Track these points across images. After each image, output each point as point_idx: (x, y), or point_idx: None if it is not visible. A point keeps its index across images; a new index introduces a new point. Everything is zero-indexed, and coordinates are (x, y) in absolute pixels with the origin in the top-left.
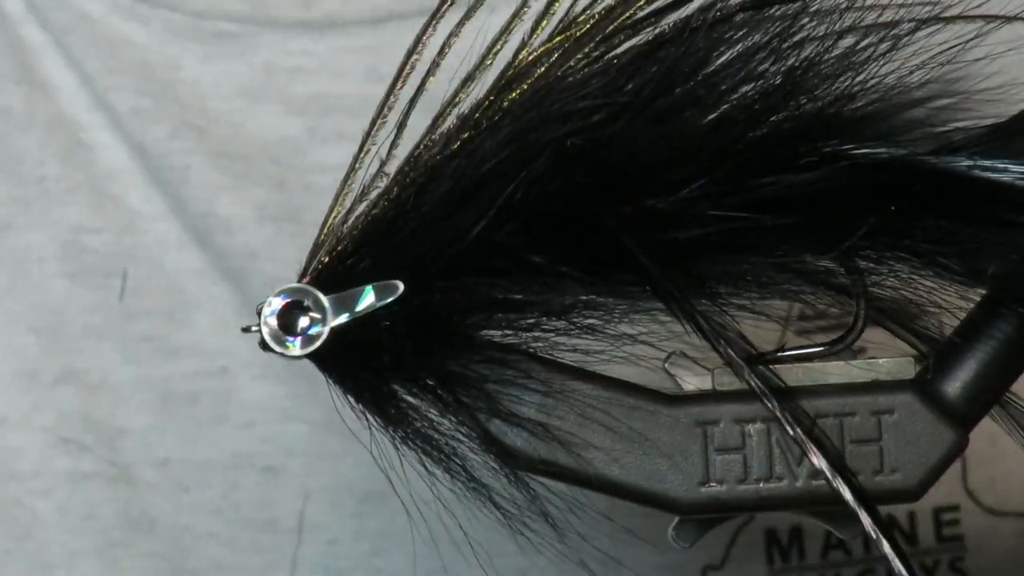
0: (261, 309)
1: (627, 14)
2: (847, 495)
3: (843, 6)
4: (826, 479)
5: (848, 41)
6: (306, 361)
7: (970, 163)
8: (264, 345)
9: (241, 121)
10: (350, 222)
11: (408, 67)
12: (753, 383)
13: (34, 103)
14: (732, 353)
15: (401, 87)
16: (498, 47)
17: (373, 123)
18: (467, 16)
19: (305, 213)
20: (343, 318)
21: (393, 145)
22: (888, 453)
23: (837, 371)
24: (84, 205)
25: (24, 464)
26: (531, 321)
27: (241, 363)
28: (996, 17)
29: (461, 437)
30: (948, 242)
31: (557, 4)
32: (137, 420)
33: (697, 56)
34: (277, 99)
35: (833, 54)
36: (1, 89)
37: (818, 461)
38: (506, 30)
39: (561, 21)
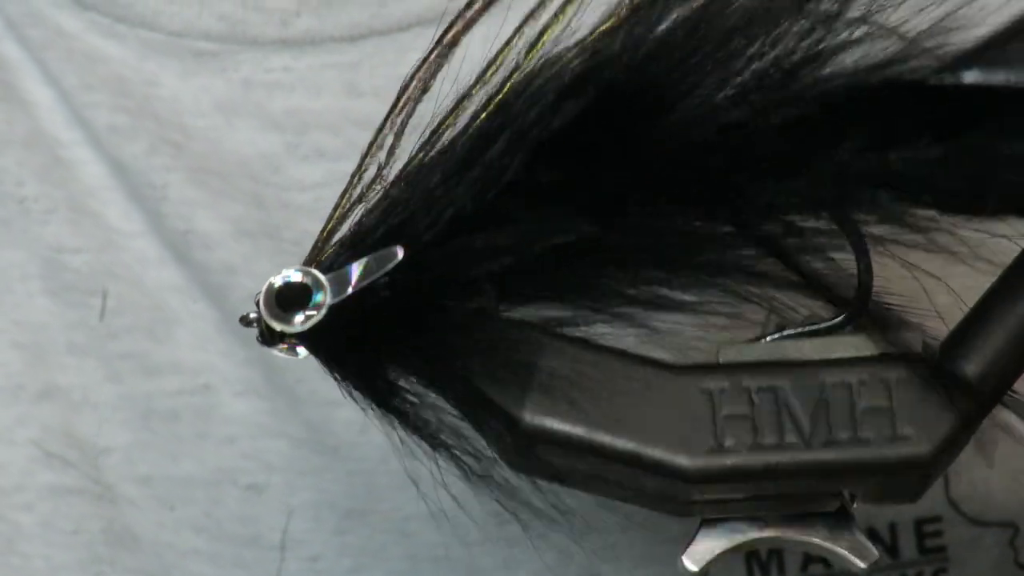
0: (259, 297)
1: None
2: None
3: None
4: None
5: None
6: (288, 373)
7: (979, 75)
8: (264, 334)
9: (219, 137)
10: (349, 219)
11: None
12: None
13: (12, 121)
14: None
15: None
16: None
17: (380, 128)
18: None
19: (283, 230)
20: (343, 294)
21: (392, 151)
22: (900, 421)
23: (846, 345)
24: (63, 223)
25: (6, 478)
26: (537, 288)
27: (223, 379)
28: None
29: (463, 414)
30: (952, 166)
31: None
32: (119, 438)
33: None
34: (255, 115)
35: None
36: None
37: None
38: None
39: None
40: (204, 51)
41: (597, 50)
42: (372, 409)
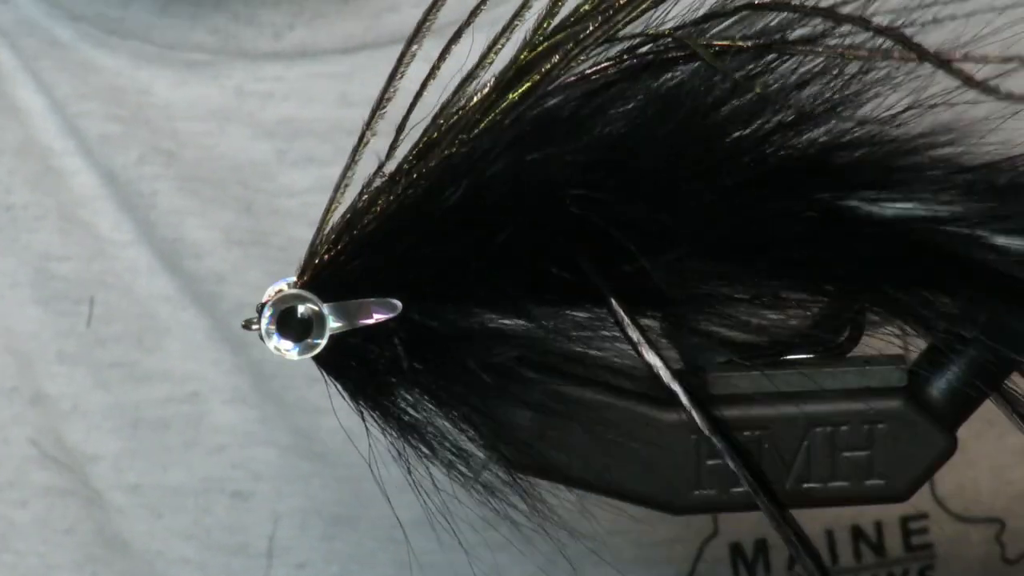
0: (260, 311)
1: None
2: (763, 503)
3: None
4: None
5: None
6: (276, 381)
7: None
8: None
9: (211, 143)
10: (348, 223)
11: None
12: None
13: (4, 129)
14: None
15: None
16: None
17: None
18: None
19: (272, 237)
20: (341, 325)
21: (393, 146)
22: (878, 459)
23: (828, 377)
24: (53, 232)
25: (1, 474)
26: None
27: (211, 388)
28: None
29: (461, 435)
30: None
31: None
32: (108, 446)
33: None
34: (247, 122)
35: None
36: None
37: (733, 465)
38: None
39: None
40: (197, 61)
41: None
42: (367, 414)
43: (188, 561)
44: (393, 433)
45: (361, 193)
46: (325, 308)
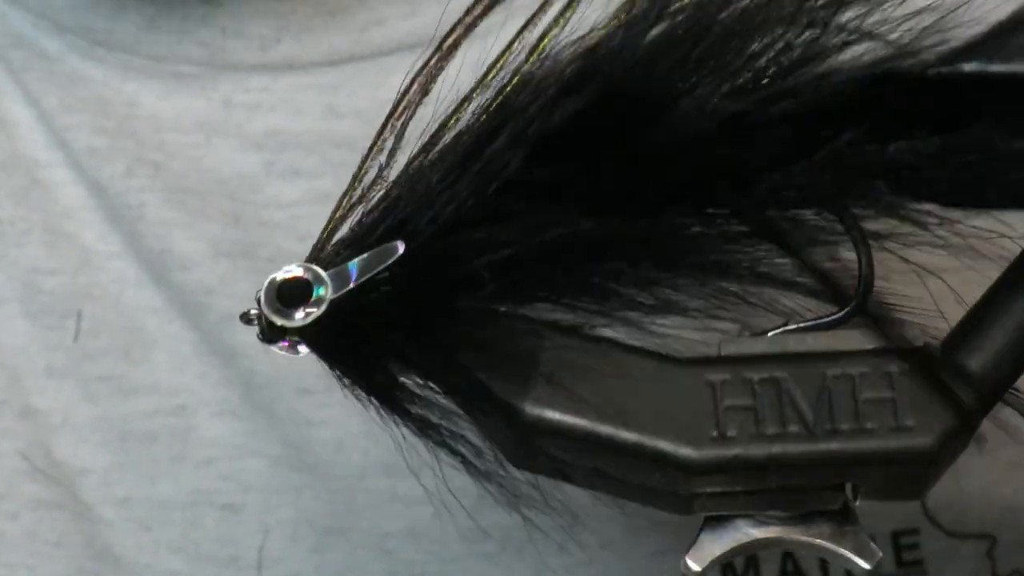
0: (260, 293)
1: None
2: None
3: None
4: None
5: None
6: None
7: (978, 66)
8: (264, 331)
9: (198, 155)
10: (350, 219)
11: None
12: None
13: None
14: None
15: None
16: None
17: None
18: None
19: (260, 248)
20: (344, 289)
21: (393, 152)
22: (902, 412)
23: (848, 339)
24: (40, 246)
25: None
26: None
27: (199, 401)
28: None
29: (463, 408)
30: (950, 159)
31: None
32: (97, 459)
33: None
34: (235, 134)
35: None
36: None
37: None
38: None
39: None
40: (184, 74)
41: (596, 48)
42: (373, 406)
43: (177, 574)
44: (396, 419)
45: (362, 196)
46: (326, 274)
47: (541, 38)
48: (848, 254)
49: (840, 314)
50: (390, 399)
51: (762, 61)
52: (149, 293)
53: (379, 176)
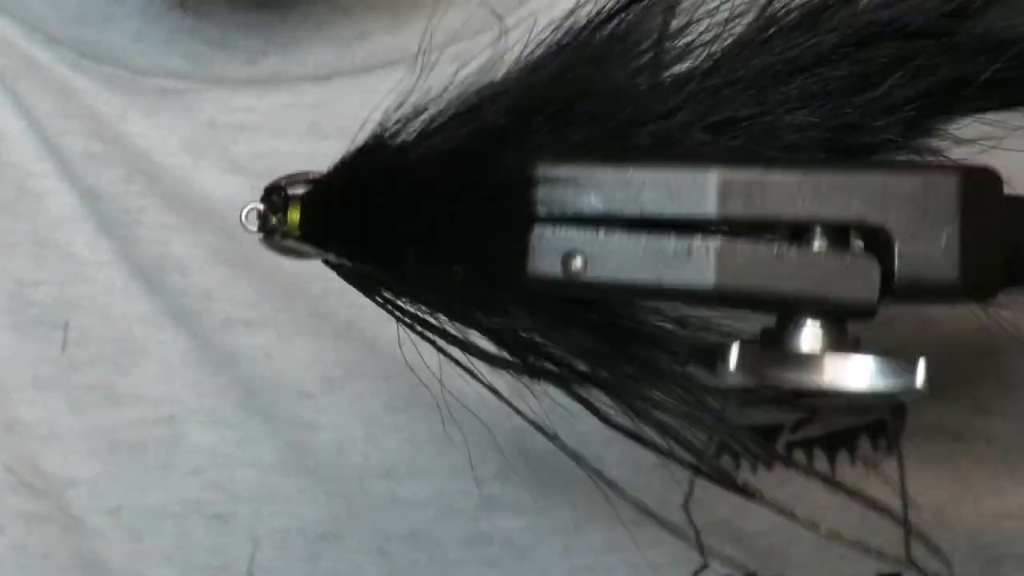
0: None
1: None
2: None
3: None
4: None
5: None
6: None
7: None
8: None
9: (187, 177)
10: None
11: None
12: None
13: None
14: None
15: None
16: None
17: None
18: None
19: (260, 260)
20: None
21: None
22: None
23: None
24: (28, 258)
25: None
26: None
27: (188, 410)
28: None
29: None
30: None
31: None
32: (86, 470)
33: None
34: (221, 157)
35: None
36: None
37: None
38: None
39: None
40: (169, 89)
41: None
42: (382, 287)
43: None
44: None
45: None
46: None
47: None
48: None
49: None
50: (395, 273)
51: None
52: (139, 302)
53: None
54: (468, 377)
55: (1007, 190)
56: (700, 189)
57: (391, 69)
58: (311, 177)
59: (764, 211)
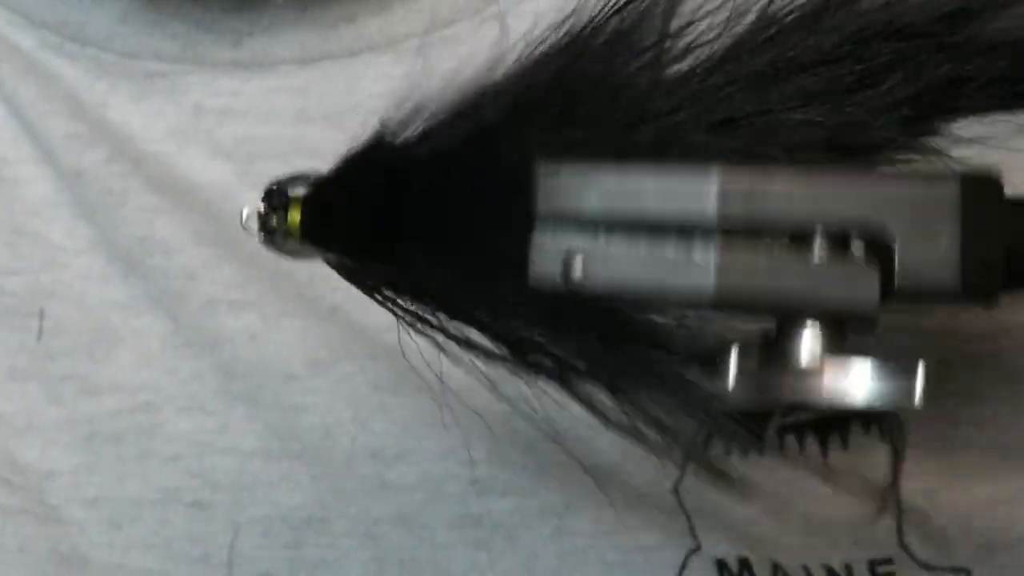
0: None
1: None
2: None
3: None
4: None
5: None
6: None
7: None
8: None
9: (171, 163)
10: None
11: None
12: None
13: None
14: None
15: None
16: None
17: None
18: None
19: (243, 244)
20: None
21: None
22: None
23: None
24: (2, 247)
25: None
26: None
27: (165, 397)
28: None
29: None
30: None
31: None
32: (64, 461)
33: None
34: (205, 142)
35: None
36: None
37: None
38: None
39: None
40: (155, 72)
41: None
42: (380, 275)
43: (149, 571)
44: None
45: None
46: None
47: None
48: None
49: None
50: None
51: None
52: (117, 288)
53: None
54: (459, 361)
55: (1007, 190)
56: (700, 191)
57: (378, 53)
58: (311, 177)
59: (764, 214)
